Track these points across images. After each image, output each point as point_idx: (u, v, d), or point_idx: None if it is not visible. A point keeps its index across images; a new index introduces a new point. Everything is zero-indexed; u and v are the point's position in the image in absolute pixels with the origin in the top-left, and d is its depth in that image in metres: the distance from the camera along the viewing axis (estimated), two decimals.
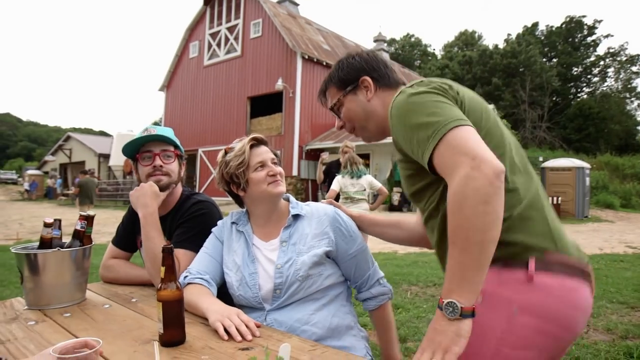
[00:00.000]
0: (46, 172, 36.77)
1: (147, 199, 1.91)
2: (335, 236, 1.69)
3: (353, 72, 1.53)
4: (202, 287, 1.67)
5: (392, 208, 19.09)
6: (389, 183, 20.03)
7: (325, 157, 7.24)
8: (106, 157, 31.97)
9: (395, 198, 19.05)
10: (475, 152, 1.05)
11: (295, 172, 20.61)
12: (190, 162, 26.26)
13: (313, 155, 21.34)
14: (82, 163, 33.58)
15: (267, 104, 23.06)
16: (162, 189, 1.98)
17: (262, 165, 1.72)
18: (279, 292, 1.63)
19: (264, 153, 1.75)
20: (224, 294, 1.74)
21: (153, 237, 1.86)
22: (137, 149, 2.01)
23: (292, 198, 1.85)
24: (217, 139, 23.73)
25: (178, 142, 2.06)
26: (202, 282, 1.68)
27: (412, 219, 1.80)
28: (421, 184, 1.36)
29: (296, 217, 1.74)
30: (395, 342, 1.83)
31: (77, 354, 1.06)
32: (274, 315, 1.62)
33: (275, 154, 1.81)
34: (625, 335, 3.84)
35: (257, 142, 1.77)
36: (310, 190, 18.73)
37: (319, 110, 22.49)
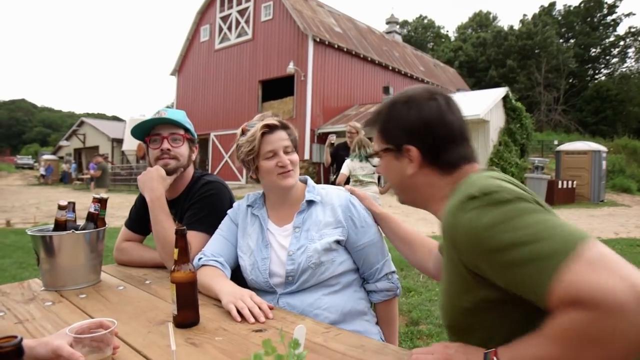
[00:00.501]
0: (61, 157, 37.22)
1: (154, 183, 1.91)
2: (347, 225, 1.67)
3: (397, 130, 1.17)
4: (215, 269, 1.67)
5: None
6: None
7: (333, 139, 7.18)
8: (119, 141, 32.22)
9: None
10: (633, 279, 0.72)
11: (307, 156, 20.58)
12: (202, 146, 26.36)
13: (325, 139, 21.21)
14: (96, 148, 33.93)
15: (278, 88, 22.94)
16: (170, 172, 1.97)
17: (273, 154, 1.67)
18: (291, 278, 1.63)
19: (277, 141, 1.67)
20: (238, 277, 1.75)
21: (161, 221, 1.86)
22: (147, 131, 2.00)
23: (309, 181, 1.81)
24: (229, 123, 23.73)
25: (189, 126, 2.05)
26: (216, 264, 1.69)
27: (427, 243, 1.63)
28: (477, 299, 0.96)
29: (310, 202, 1.71)
30: (395, 337, 1.79)
31: (93, 334, 1.07)
32: (286, 299, 1.62)
33: (293, 140, 1.74)
34: None
35: (269, 129, 1.68)
36: (322, 173, 18.70)
37: (330, 94, 22.34)
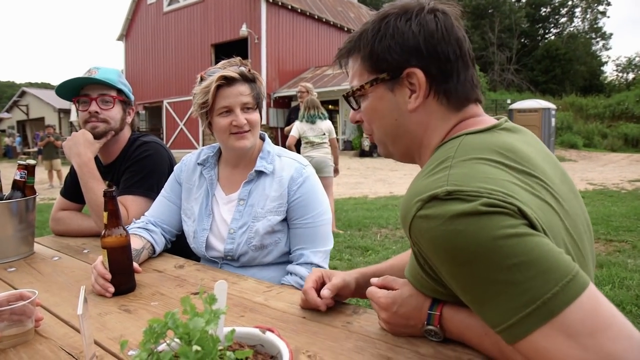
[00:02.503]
0: (3, 131, 35.14)
1: (80, 148, 1.79)
2: (287, 199, 1.52)
3: (398, 51, 0.89)
4: (136, 238, 1.54)
5: (362, 154, 19.19)
6: (359, 129, 20.02)
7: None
8: (67, 112, 30.60)
9: (366, 143, 19.11)
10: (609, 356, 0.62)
11: (264, 121, 20.27)
12: (156, 115, 25.48)
13: (281, 102, 20.98)
14: (41, 119, 32.14)
15: (232, 51, 21.94)
16: (98, 136, 1.84)
17: (229, 110, 1.49)
18: (230, 257, 1.54)
19: (234, 96, 1.48)
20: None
21: (92, 187, 1.75)
22: (76, 91, 1.85)
23: (266, 143, 1.64)
24: (182, 89, 22.91)
25: (122, 86, 1.91)
26: (141, 233, 1.58)
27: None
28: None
29: (260, 173, 1.57)
30: None
31: (12, 305, 0.99)
32: (228, 268, 1.56)
33: (256, 95, 1.54)
34: None
35: (227, 82, 1.48)
36: (280, 138, 18.50)
37: (285, 57, 21.89)
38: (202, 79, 1.53)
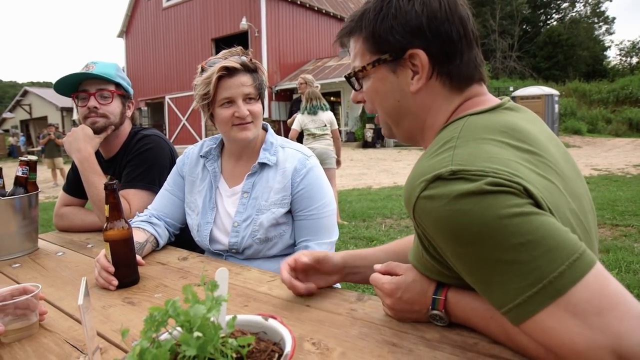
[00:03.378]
0: (6, 130, 35.22)
1: (80, 143, 1.78)
2: (291, 190, 1.51)
3: (397, 30, 0.87)
4: (139, 232, 1.54)
5: (365, 144, 19.14)
6: (362, 120, 19.95)
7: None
8: (69, 110, 30.65)
9: (369, 134, 19.05)
10: (616, 334, 0.61)
11: (266, 114, 20.24)
12: (158, 110, 25.47)
13: (283, 95, 20.90)
14: (44, 118, 32.19)
15: (232, 45, 22.11)
16: (98, 131, 1.84)
17: (230, 102, 1.47)
18: (235, 250, 1.54)
19: (236, 87, 1.46)
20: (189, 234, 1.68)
21: (94, 182, 1.75)
22: (74, 87, 1.85)
23: (269, 134, 1.63)
24: (184, 84, 22.88)
25: (121, 80, 1.90)
26: (145, 226, 1.58)
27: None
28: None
29: (263, 165, 1.55)
30: None
31: (15, 300, 0.99)
32: (232, 261, 1.55)
33: (259, 85, 1.52)
34: None
35: (229, 73, 1.46)
36: (283, 131, 18.48)
37: (286, 49, 21.79)
38: (202, 70, 1.51)
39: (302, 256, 1.11)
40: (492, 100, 0.91)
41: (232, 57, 1.49)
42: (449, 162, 0.72)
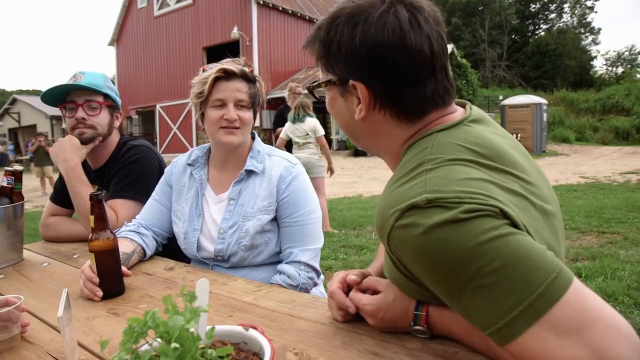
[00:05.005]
0: None
1: (67, 153, 1.78)
2: (277, 198, 1.53)
3: (342, 61, 0.86)
4: (126, 242, 1.52)
5: (357, 153, 19.19)
6: None
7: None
8: (59, 119, 30.42)
9: None
10: (599, 349, 0.61)
11: (257, 123, 20.26)
12: (149, 119, 25.37)
13: (274, 104, 20.89)
14: (34, 127, 31.94)
15: (223, 54, 22.10)
16: (85, 142, 1.83)
17: (222, 104, 1.50)
18: (220, 258, 1.54)
19: (230, 91, 1.49)
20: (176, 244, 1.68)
21: (80, 192, 1.74)
22: (62, 98, 1.84)
23: (256, 142, 1.64)
24: (175, 93, 22.85)
25: (109, 91, 1.90)
26: (132, 236, 1.57)
27: None
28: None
29: (250, 172, 1.57)
30: None
31: None
32: (218, 269, 1.56)
33: (253, 94, 1.55)
34: (576, 258, 4.04)
35: (226, 75, 1.50)
36: (274, 140, 18.53)
37: (278, 58, 21.87)
38: (204, 71, 1.55)
39: (354, 275, 0.97)
40: (457, 114, 0.89)
41: (234, 64, 1.54)
42: (422, 190, 0.71)
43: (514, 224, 0.68)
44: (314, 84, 0.97)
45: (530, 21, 47.16)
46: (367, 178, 12.31)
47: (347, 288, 0.97)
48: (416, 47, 0.80)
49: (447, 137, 0.81)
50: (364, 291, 0.95)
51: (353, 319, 0.99)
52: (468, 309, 0.70)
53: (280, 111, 6.20)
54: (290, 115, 5.46)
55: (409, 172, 0.78)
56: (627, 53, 45.48)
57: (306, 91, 5.15)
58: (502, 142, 0.84)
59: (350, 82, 0.85)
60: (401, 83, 0.83)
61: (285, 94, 6.04)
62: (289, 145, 5.51)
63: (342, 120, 0.94)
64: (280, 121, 6.03)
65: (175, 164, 1.72)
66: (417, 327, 0.86)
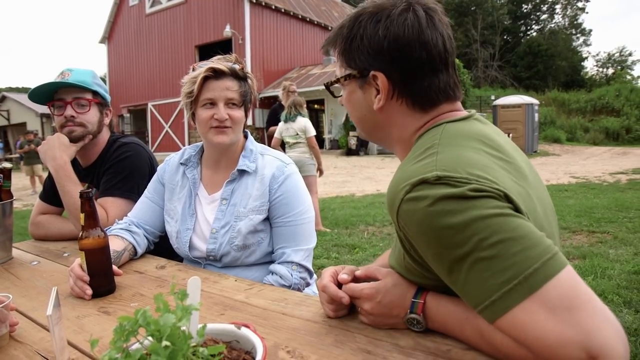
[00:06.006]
0: None
1: (56, 152, 1.75)
2: (269, 197, 1.52)
3: (362, 51, 0.93)
4: (117, 240, 1.51)
5: (349, 152, 19.22)
6: (345, 128, 20.04)
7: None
8: (49, 116, 30.08)
9: (352, 142, 19.14)
10: (588, 332, 0.63)
11: (249, 122, 20.21)
12: (140, 117, 25.21)
13: (267, 103, 20.88)
14: (24, 124, 31.61)
15: (216, 53, 21.96)
16: (74, 140, 1.82)
17: (212, 103, 1.48)
18: (213, 257, 1.53)
19: (220, 90, 1.47)
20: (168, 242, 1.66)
21: (69, 190, 1.72)
22: (50, 95, 1.82)
23: (249, 141, 1.63)
24: (167, 91, 22.73)
25: (98, 88, 1.87)
26: (123, 234, 1.56)
27: None
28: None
29: (242, 172, 1.56)
30: None
31: None
32: (211, 269, 1.55)
33: (244, 93, 1.53)
34: (567, 257, 4.06)
35: (215, 74, 1.47)
36: (267, 139, 18.51)
37: (270, 57, 21.83)
38: (194, 70, 1.53)
39: (344, 274, 0.98)
40: (463, 111, 0.96)
41: (224, 62, 1.51)
42: (433, 167, 0.76)
43: (516, 209, 0.72)
44: (333, 80, 1.02)
45: (522, 22, 47.47)
46: (360, 177, 12.32)
47: (338, 285, 0.98)
48: (432, 41, 0.89)
49: (455, 128, 0.88)
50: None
51: (345, 316, 0.99)
52: (465, 283, 0.72)
53: (273, 110, 6.18)
54: (283, 114, 5.45)
55: (420, 153, 0.83)
56: (617, 54, 45.95)
57: (300, 90, 5.13)
58: (501, 140, 0.89)
59: (371, 73, 0.92)
60: (418, 73, 0.91)
61: (279, 92, 6.03)
62: (284, 145, 5.50)
63: (358, 113, 1.00)
64: (273, 120, 6.01)
65: (168, 163, 1.71)
66: (413, 316, 0.87)
